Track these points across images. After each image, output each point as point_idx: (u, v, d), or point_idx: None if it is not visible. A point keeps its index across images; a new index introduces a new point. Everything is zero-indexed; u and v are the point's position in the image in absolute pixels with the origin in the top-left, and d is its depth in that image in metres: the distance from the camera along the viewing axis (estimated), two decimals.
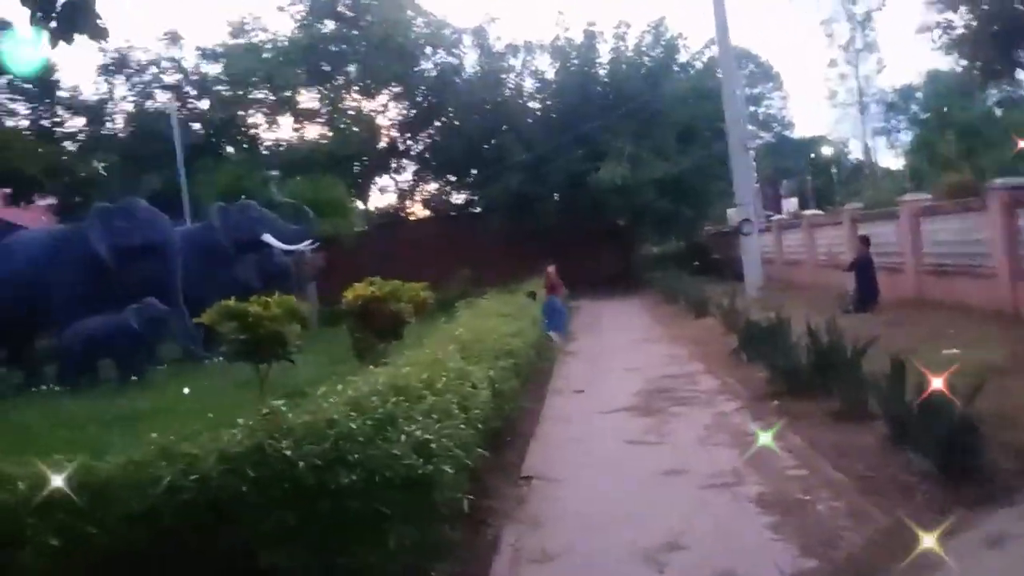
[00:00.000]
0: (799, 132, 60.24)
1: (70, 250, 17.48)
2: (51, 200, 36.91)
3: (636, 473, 7.18)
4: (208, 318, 9.85)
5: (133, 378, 16.34)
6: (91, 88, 38.72)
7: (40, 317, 17.69)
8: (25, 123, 37.53)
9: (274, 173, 31.53)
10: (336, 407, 4.94)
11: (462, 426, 5.48)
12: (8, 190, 35.30)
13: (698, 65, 34.96)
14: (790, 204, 44.62)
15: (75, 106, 37.35)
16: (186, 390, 13.27)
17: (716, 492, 6.43)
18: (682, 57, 35.08)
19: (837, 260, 20.94)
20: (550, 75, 36.00)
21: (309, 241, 22.65)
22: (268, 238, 20.78)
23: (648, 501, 6.39)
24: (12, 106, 39.28)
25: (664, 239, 40.34)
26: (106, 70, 37.27)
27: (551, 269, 18.90)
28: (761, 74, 59.26)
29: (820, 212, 29.19)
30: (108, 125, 37.56)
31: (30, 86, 38.51)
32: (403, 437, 4.67)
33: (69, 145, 37.41)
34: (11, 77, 40.07)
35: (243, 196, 23.07)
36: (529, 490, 7.10)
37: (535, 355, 12.19)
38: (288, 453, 4.36)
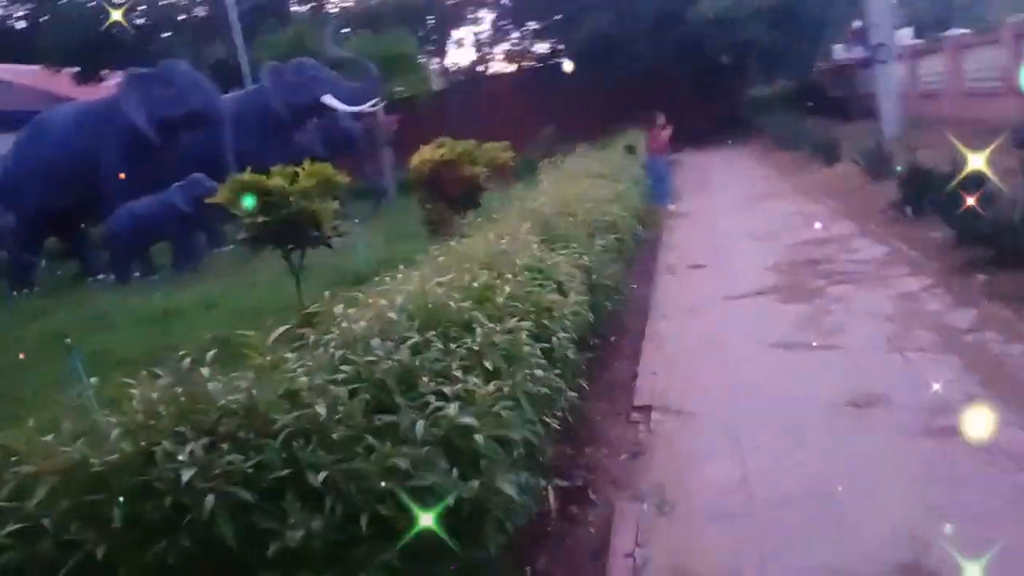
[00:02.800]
0: None
1: (108, 124, 15.59)
2: (119, 77, 35.25)
3: (804, 403, 4.83)
4: (223, 196, 7.75)
5: (192, 265, 14.77)
6: None
7: (86, 201, 16.09)
8: None
9: (337, 28, 28.86)
10: (313, 363, 2.74)
11: (539, 371, 3.24)
12: (76, 68, 34.00)
13: None
14: (902, 35, 39.44)
15: None
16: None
17: (949, 443, 4.05)
18: None
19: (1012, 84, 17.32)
20: None
21: (374, 101, 20.22)
22: (328, 99, 18.46)
23: (842, 461, 4.06)
24: None
25: (770, 79, 36.13)
26: None
27: (661, 122, 15.47)
28: None
29: (968, 31, 24.93)
30: None
31: None
32: (421, 424, 2.44)
33: (135, 18, 35.60)
34: None
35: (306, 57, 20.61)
36: (648, 432, 4.88)
37: (639, 225, 9.75)
38: (185, 473, 2.18)
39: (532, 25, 35.93)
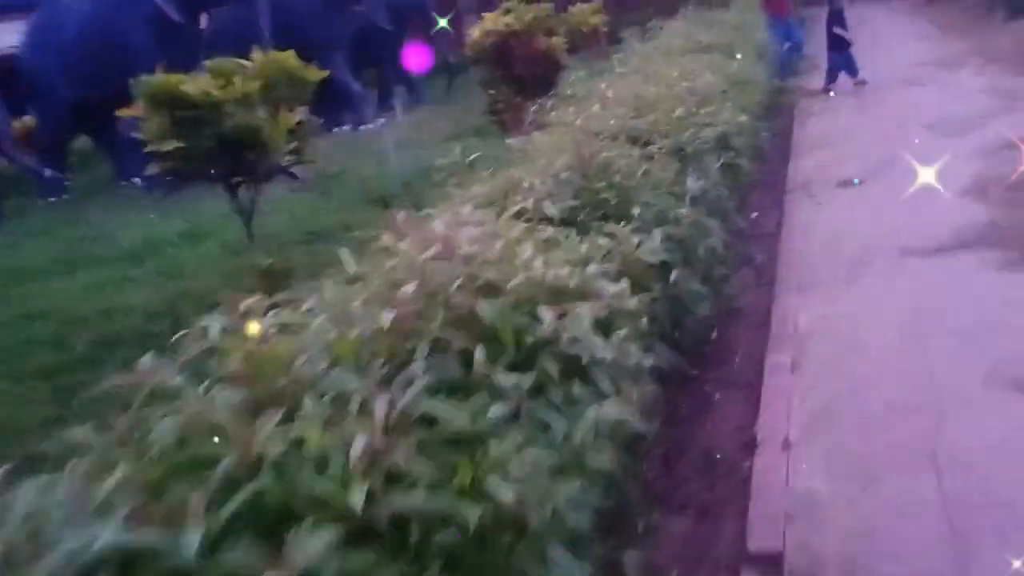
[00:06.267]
0: None
1: (130, 7, 13.38)
2: None
3: None
4: (137, 107, 5.34)
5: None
6: None
7: (113, 93, 13.99)
8: None
9: None
10: None
11: None
12: None
13: None
14: None
15: None
16: None
17: None
18: None
19: None
20: None
21: None
22: None
23: None
24: None
25: None
26: None
27: None
28: None
29: None
30: None
31: None
32: None
33: None
34: None
35: None
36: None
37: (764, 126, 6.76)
38: None
39: None
